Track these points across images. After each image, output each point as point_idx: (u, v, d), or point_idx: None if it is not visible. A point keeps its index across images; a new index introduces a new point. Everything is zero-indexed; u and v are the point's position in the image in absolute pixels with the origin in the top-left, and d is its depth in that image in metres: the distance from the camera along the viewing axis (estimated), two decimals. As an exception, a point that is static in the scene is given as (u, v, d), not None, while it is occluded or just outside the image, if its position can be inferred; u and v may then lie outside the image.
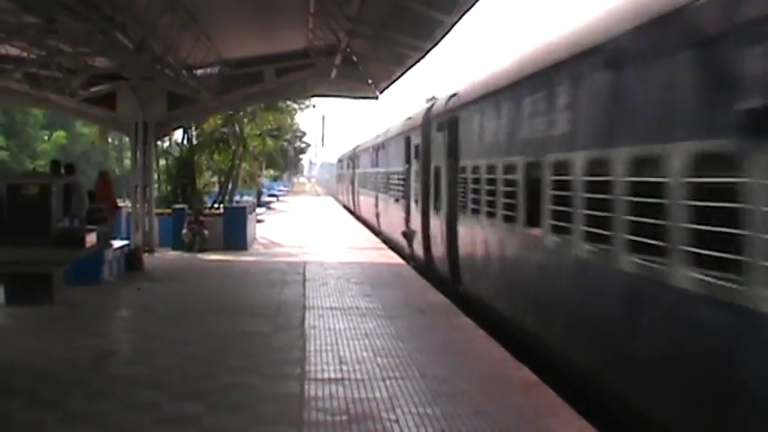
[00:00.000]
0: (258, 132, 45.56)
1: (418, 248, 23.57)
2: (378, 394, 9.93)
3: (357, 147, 54.00)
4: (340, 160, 79.05)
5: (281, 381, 10.65)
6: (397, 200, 29.00)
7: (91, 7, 15.17)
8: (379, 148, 37.24)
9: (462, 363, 11.83)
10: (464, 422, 8.85)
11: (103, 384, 10.44)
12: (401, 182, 28.03)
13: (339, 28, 20.98)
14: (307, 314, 15.57)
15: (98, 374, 11.06)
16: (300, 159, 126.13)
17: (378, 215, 35.99)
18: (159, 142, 31.89)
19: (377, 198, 36.60)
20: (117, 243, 21.06)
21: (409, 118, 27.76)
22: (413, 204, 24.95)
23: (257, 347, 12.68)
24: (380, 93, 29.43)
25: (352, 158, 55.72)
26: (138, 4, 16.29)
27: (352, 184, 54.24)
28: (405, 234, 26.17)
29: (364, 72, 27.36)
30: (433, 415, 9.06)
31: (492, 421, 8.91)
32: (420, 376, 10.82)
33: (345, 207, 62.32)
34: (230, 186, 42.22)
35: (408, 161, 26.35)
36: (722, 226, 6.80)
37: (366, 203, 42.98)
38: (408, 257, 25.51)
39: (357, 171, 50.94)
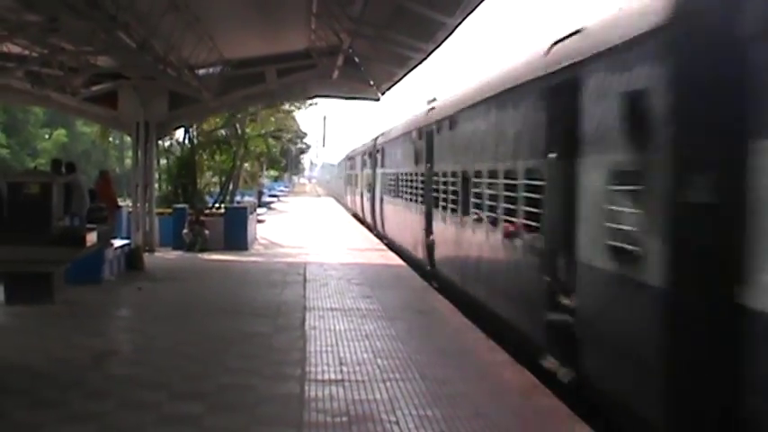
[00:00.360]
0: (259, 133, 45.52)
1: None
2: (378, 396, 9.91)
3: (380, 136, 37.55)
4: (349, 158, 59.26)
5: (282, 382, 10.63)
6: (510, 235, 13.49)
7: (93, 6, 15.15)
8: (434, 131, 21.18)
9: (462, 365, 11.82)
10: (464, 424, 8.83)
11: (103, 384, 10.42)
12: (524, 197, 12.52)
13: (341, 29, 20.95)
14: (307, 315, 15.55)
15: (98, 374, 11.03)
16: (301, 160, 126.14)
17: (431, 246, 21.27)
18: (160, 142, 31.86)
19: (428, 217, 21.74)
20: (117, 242, 21.06)
21: (575, 32, 10.93)
22: (589, 256, 10.06)
23: (257, 348, 12.65)
24: (382, 94, 29.38)
25: (372, 154, 38.98)
26: (141, 3, 16.29)
27: (372, 190, 38.40)
28: (553, 325, 10.97)
29: (366, 73, 27.33)
30: (432, 417, 9.04)
31: (492, 423, 8.90)
32: (420, 378, 10.81)
33: (358, 218, 47.74)
34: (231, 186, 42.22)
35: (564, 147, 10.79)
36: None
37: (400, 222, 28.29)
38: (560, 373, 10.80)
39: (381, 172, 35.27)
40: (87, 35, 17.57)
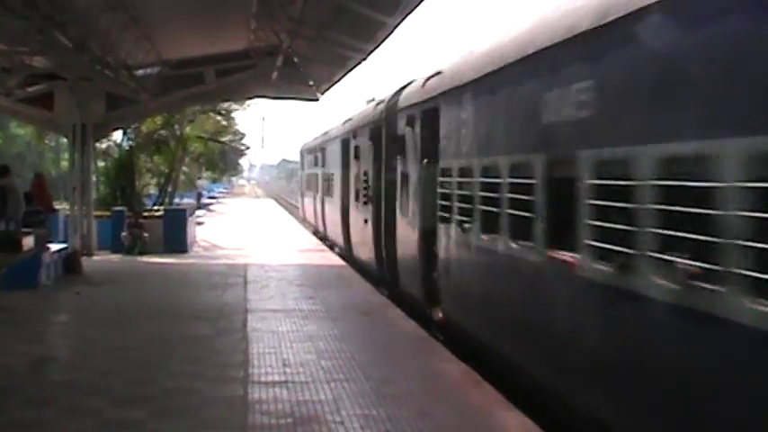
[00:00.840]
0: (199, 135, 45.25)
1: None
2: (322, 396, 9.89)
3: (411, 87, 18.30)
4: (310, 151, 40.60)
5: (225, 384, 10.56)
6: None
7: (29, 5, 14.93)
8: None
9: (406, 364, 11.85)
10: (409, 423, 8.85)
11: (43, 391, 10.25)
12: None
13: (281, 29, 20.92)
14: (249, 317, 15.46)
15: (37, 381, 10.85)
16: (240, 161, 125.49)
17: None
18: (98, 143, 31.49)
19: None
20: (55, 246, 20.73)
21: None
22: None
23: (200, 351, 12.56)
24: (321, 94, 29.41)
25: (381, 132, 20.55)
26: (78, 3, 16.07)
27: (382, 207, 20.33)
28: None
29: (305, 73, 27.30)
30: (377, 416, 9.05)
31: (436, 421, 8.93)
32: (364, 378, 10.81)
33: (327, 243, 32.56)
34: (170, 188, 41.89)
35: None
36: None
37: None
38: None
39: (428, 170, 15.56)
40: (22, 35, 17.30)
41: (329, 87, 28.34)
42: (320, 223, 35.15)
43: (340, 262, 25.67)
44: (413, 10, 16.40)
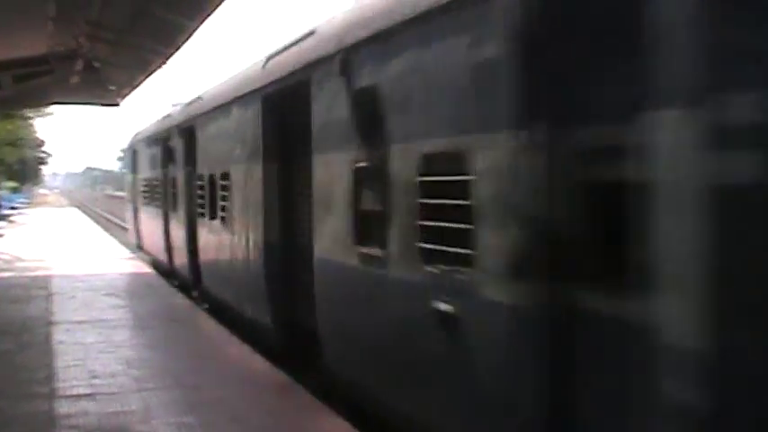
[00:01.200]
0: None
1: None
2: (132, 407, 9.75)
3: None
4: (155, 142, 24.74)
5: (29, 400, 10.22)
6: None
7: None
8: None
9: (217, 369, 11.82)
10: (222, 429, 8.87)
11: None
12: None
13: (80, 33, 20.37)
14: (54, 329, 15.01)
15: None
16: (41, 169, 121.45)
17: None
18: None
19: None
20: None
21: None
22: None
23: (1, 367, 12.13)
24: (122, 99, 28.89)
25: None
26: None
27: None
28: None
29: (106, 78, 26.69)
30: (189, 424, 9.01)
31: (250, 426, 8.98)
32: (175, 385, 10.73)
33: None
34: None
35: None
36: None
37: None
38: None
39: None
40: None
41: (130, 92, 27.84)
42: (181, 263, 20.87)
43: (148, 270, 25.24)
44: (211, 12, 16.35)
